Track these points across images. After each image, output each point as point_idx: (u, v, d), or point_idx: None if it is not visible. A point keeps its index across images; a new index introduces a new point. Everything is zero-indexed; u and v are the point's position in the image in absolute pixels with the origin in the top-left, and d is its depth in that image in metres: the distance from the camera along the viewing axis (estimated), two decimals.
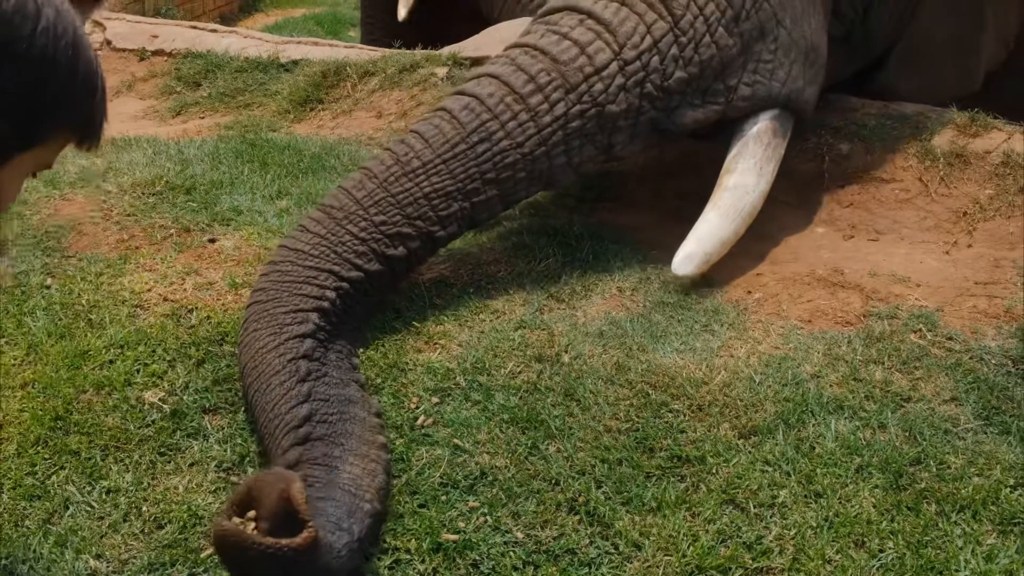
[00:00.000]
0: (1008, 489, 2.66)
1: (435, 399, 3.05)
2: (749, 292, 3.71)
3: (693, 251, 3.68)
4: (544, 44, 3.63)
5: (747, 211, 3.80)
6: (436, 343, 3.33)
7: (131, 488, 2.73)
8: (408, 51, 6.34)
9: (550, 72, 3.57)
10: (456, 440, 2.87)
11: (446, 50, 6.25)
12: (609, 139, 3.66)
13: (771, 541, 2.52)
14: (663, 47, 3.64)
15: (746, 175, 3.81)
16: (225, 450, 2.86)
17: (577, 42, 3.61)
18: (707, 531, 2.55)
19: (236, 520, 2.26)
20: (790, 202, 4.38)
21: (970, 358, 3.23)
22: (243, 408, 3.04)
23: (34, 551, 2.54)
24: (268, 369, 2.88)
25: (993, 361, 3.21)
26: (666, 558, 2.47)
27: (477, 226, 3.65)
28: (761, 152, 3.84)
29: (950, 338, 3.34)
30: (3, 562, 2.52)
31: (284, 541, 2.20)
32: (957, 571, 2.41)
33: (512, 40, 3.84)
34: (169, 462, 2.84)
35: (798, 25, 3.90)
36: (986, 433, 2.90)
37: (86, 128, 1.65)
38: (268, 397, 2.82)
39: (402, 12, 6.71)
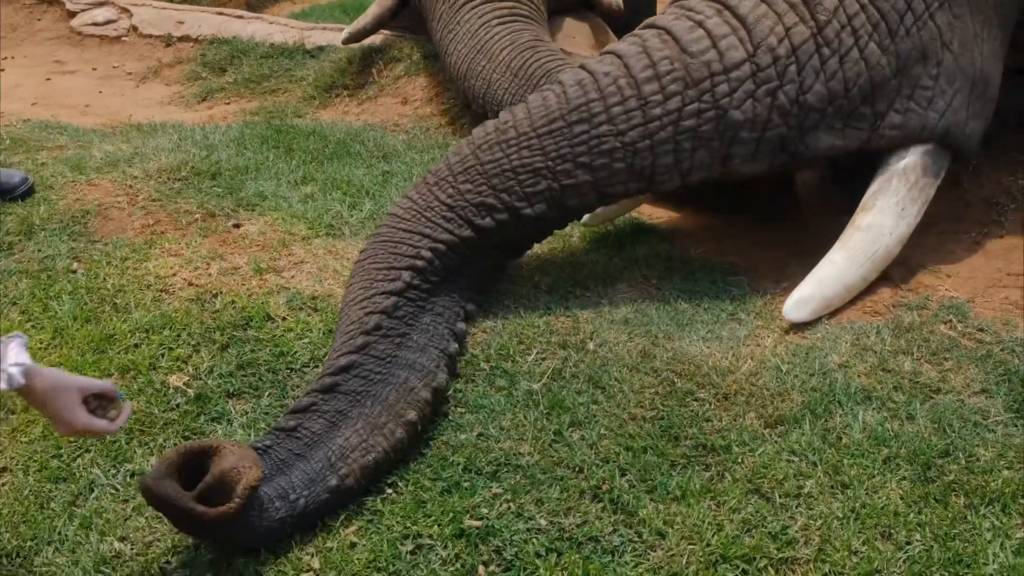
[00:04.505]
0: None
1: (459, 385, 3.04)
2: (777, 281, 3.67)
3: (810, 295, 3.33)
4: (677, 29, 3.33)
5: (880, 256, 3.43)
6: None
7: None
8: None
9: (674, 62, 3.27)
10: (480, 426, 2.86)
11: None
12: (728, 149, 3.31)
13: (796, 531, 2.50)
14: (802, 55, 3.27)
15: (884, 215, 3.43)
16: (248, 435, 2.86)
17: (711, 34, 3.30)
18: (732, 520, 2.53)
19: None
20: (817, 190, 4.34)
21: (1001, 350, 3.18)
22: (267, 393, 3.04)
23: (59, 533, 2.55)
24: (346, 319, 3.01)
25: None
26: (690, 547, 2.45)
27: (572, 213, 3.41)
28: (905, 191, 3.45)
29: (981, 329, 3.29)
30: (28, 544, 2.54)
31: (200, 509, 2.31)
32: (985, 564, 2.37)
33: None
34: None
35: (967, 50, 3.46)
36: (1016, 426, 2.86)
37: None
38: (335, 342, 2.97)
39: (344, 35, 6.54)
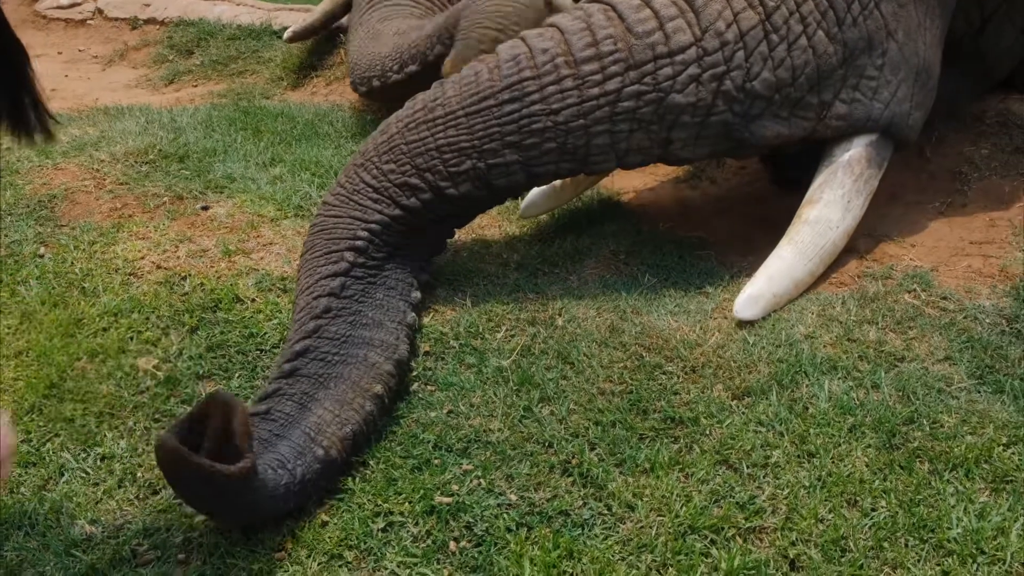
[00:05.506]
0: (1001, 448, 2.66)
1: (429, 363, 3.05)
2: (743, 254, 3.70)
3: (760, 292, 3.27)
4: (624, 7, 3.25)
5: (828, 250, 3.41)
6: (429, 307, 3.32)
7: (125, 454, 2.74)
8: None
9: (617, 42, 3.19)
10: (450, 403, 2.87)
11: None
12: (668, 133, 3.25)
13: (764, 501, 2.52)
14: (750, 41, 3.22)
15: (831, 208, 3.41)
16: None
17: (658, 14, 3.22)
18: (700, 491, 2.55)
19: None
20: None
21: (964, 317, 3.22)
22: (237, 374, 3.04)
23: (30, 518, 2.55)
24: (297, 308, 3.00)
25: (987, 320, 3.20)
26: (659, 519, 2.48)
27: (503, 192, 3.32)
28: (851, 183, 3.43)
29: (944, 297, 3.33)
30: None
31: (219, 466, 2.23)
32: (949, 529, 2.41)
33: None
34: (163, 428, 2.84)
35: (912, 40, 3.43)
36: (980, 392, 2.90)
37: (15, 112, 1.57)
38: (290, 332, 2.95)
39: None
